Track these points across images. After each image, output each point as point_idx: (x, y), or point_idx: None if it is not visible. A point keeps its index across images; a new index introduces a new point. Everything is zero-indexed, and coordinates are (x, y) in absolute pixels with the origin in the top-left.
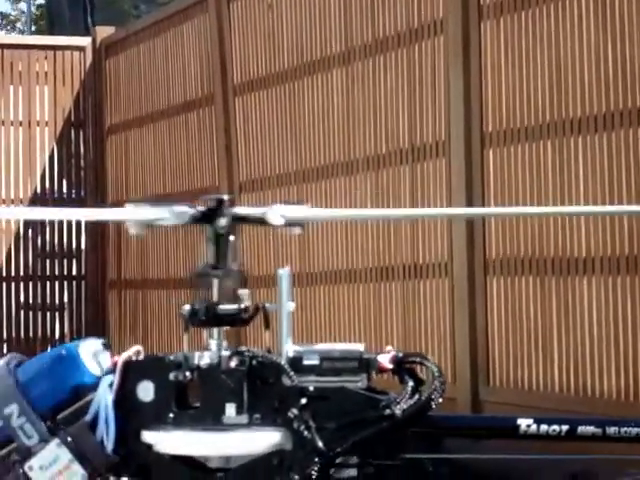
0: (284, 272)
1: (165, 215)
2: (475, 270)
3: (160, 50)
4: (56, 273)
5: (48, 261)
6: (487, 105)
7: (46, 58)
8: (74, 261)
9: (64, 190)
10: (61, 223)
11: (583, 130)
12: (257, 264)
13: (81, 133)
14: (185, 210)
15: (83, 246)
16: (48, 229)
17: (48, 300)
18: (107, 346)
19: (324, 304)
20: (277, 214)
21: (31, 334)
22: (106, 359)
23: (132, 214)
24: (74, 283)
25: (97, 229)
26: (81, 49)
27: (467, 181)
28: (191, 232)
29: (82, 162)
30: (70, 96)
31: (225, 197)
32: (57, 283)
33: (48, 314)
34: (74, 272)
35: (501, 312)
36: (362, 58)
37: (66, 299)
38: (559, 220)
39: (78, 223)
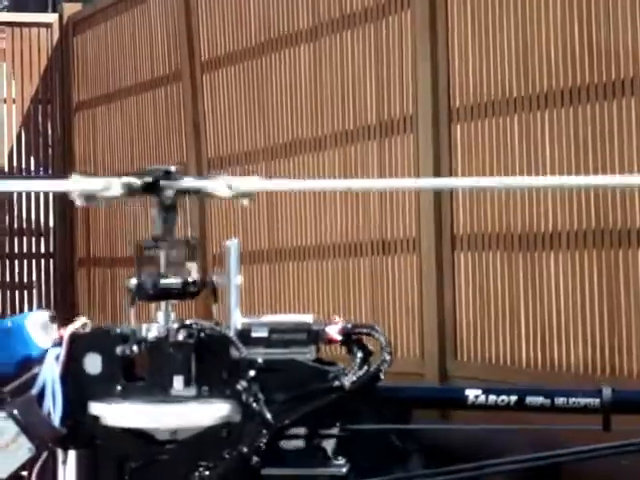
0: (232, 244)
1: (111, 186)
2: (443, 246)
3: (127, 27)
4: (24, 251)
5: (16, 239)
6: (454, 80)
7: (13, 34)
8: (42, 239)
9: (32, 167)
10: (29, 200)
11: (550, 105)
12: (225, 240)
13: (48, 110)
14: (131, 181)
15: (51, 224)
16: (16, 207)
17: (17, 279)
18: (54, 318)
19: (292, 280)
20: (224, 185)
21: None
22: (53, 332)
23: (78, 185)
24: (42, 261)
25: (65, 207)
26: (48, 26)
27: (435, 156)
28: None
29: (49, 139)
30: (37, 73)
31: (172, 168)
32: (25, 261)
33: (17, 292)
34: (42, 250)
35: (469, 287)
36: (329, 33)
37: (35, 277)
38: (526, 195)
39: (46, 201)
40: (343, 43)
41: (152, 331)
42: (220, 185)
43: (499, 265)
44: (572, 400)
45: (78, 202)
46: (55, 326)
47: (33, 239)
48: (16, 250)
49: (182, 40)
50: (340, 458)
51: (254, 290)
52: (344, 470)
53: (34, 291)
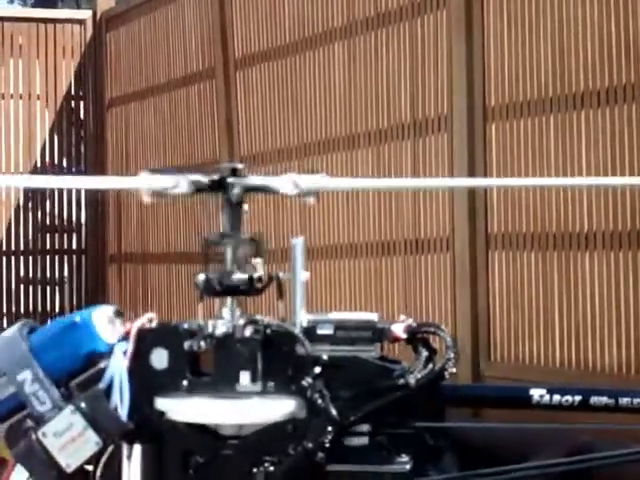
0: (298, 242)
1: (180, 183)
2: (477, 245)
3: (161, 23)
4: (56, 247)
5: (48, 235)
6: (489, 79)
7: (47, 31)
8: (74, 235)
9: (64, 164)
10: (61, 196)
11: (586, 105)
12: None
13: (82, 106)
14: (199, 178)
15: (83, 220)
16: (48, 203)
17: (48, 274)
18: (120, 313)
19: (325, 279)
20: (290, 183)
21: (31, 309)
22: (119, 327)
23: (146, 182)
24: (74, 257)
25: (97, 203)
26: (82, 22)
27: (469, 156)
28: (191, 206)
29: (82, 136)
30: (71, 69)
31: (239, 165)
32: (57, 257)
33: (48, 288)
34: (74, 246)
35: (502, 287)
36: (364, 32)
37: (66, 273)
38: (561, 194)
39: (78, 197)
40: (378, 42)
41: (219, 327)
42: (287, 183)
43: (533, 265)
44: (637, 400)
45: (146, 199)
46: (120, 321)
47: (65, 235)
48: (48, 246)
49: (216, 37)
50: (404, 455)
51: (287, 289)
52: (408, 467)
53: (65, 287)
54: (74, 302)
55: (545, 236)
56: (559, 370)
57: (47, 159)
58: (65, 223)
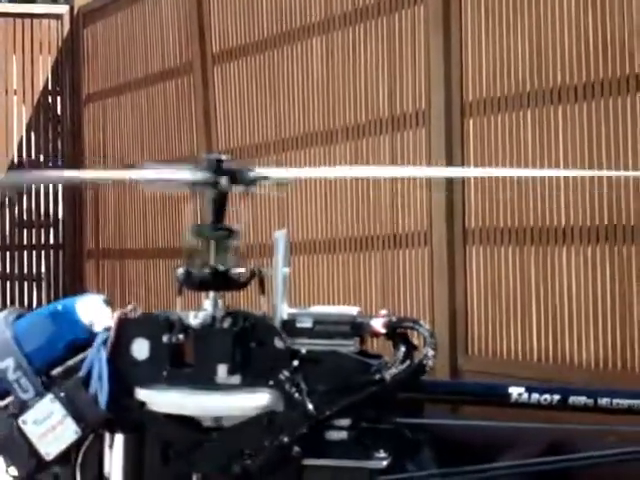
0: (281, 235)
1: (172, 177)
2: (454, 240)
3: (138, 18)
4: (33, 242)
5: (25, 230)
6: (467, 74)
7: (23, 26)
8: (51, 230)
9: (41, 159)
10: (38, 192)
11: (563, 100)
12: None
13: (59, 102)
14: (189, 171)
15: (60, 215)
16: (25, 198)
17: (25, 270)
18: (108, 302)
19: (303, 274)
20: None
21: (8, 304)
22: (107, 316)
23: (141, 174)
24: (51, 252)
25: (74, 198)
26: (59, 17)
27: (447, 150)
28: (169, 201)
29: (59, 131)
30: (48, 64)
31: (223, 157)
32: (34, 252)
33: (25, 284)
34: (51, 241)
35: (480, 281)
36: (342, 27)
37: (43, 269)
38: (538, 190)
39: (55, 192)
40: (355, 37)
41: (199, 319)
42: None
43: (511, 259)
44: (616, 401)
45: (146, 189)
46: (109, 309)
47: (42, 230)
48: (25, 241)
49: (193, 32)
50: (382, 450)
51: (270, 284)
52: (385, 463)
53: (43, 282)
54: (51, 297)
55: (522, 231)
56: (536, 364)
57: (24, 154)
58: (42, 218)
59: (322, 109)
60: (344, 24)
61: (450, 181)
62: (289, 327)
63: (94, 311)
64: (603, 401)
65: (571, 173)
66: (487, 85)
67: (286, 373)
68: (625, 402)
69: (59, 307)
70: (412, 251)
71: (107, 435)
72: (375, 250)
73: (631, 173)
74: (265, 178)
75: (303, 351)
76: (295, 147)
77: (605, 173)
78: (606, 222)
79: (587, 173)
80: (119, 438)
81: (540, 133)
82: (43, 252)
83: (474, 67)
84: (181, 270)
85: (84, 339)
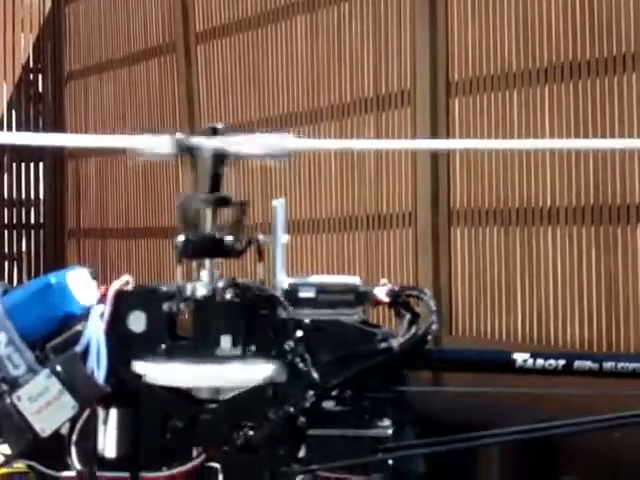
0: (279, 203)
1: (161, 143)
2: (439, 220)
3: None
4: (14, 222)
5: (6, 210)
6: (453, 53)
7: (5, 4)
8: (32, 209)
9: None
10: (19, 170)
11: (550, 79)
12: None
13: (40, 79)
14: (180, 138)
15: (41, 194)
16: (6, 177)
17: (6, 249)
18: (93, 275)
19: (288, 253)
20: (258, 144)
21: None
22: (93, 289)
23: (128, 142)
24: (32, 232)
25: (55, 177)
26: None
27: (432, 130)
28: (151, 181)
29: (41, 109)
30: (29, 42)
31: (219, 125)
32: (15, 232)
33: (6, 263)
34: (32, 221)
35: (465, 262)
36: (327, 5)
37: (24, 248)
38: (524, 170)
39: (36, 171)
40: (340, 15)
41: (198, 289)
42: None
43: (495, 240)
44: (620, 365)
45: (132, 159)
46: (95, 283)
47: (23, 210)
48: (6, 221)
49: (177, 10)
50: (385, 420)
51: (248, 263)
52: (389, 432)
53: (23, 262)
54: (32, 277)
55: (507, 212)
56: (520, 345)
57: (5, 130)
58: (23, 197)
59: (306, 88)
60: (329, 3)
61: (435, 162)
62: (291, 296)
63: (82, 285)
64: (608, 365)
65: (554, 144)
66: (473, 64)
67: (290, 343)
68: (630, 366)
69: (51, 280)
70: (397, 232)
71: (101, 410)
72: (360, 231)
73: (615, 141)
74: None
75: (307, 321)
76: (279, 126)
77: (590, 143)
78: (591, 203)
79: (571, 144)
80: (114, 413)
81: (526, 113)
82: (24, 231)
83: (460, 46)
84: (180, 238)
85: (78, 312)
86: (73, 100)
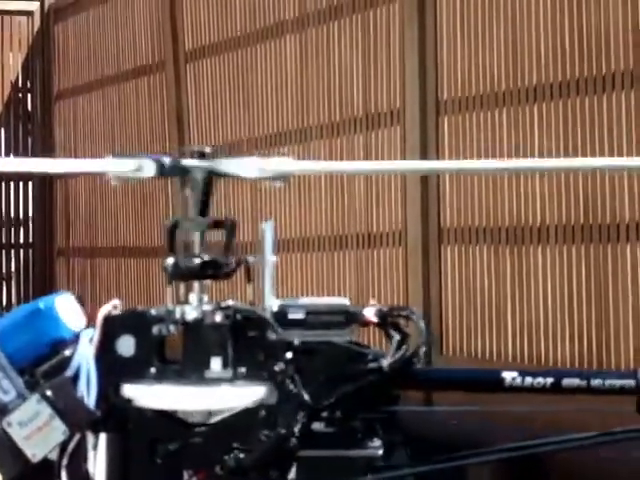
0: (268, 226)
1: (144, 167)
2: (429, 239)
3: (110, 15)
4: (3, 241)
5: None
6: (442, 72)
7: None
8: (21, 229)
9: (11, 156)
10: (8, 189)
11: (539, 98)
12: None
13: (29, 99)
14: (164, 161)
15: (30, 213)
16: None
17: None
18: (80, 300)
19: (277, 273)
20: (257, 167)
21: None
22: (80, 314)
23: (111, 166)
24: (21, 251)
25: (44, 195)
26: (29, 14)
27: (422, 149)
28: (140, 200)
29: (30, 128)
30: (18, 61)
31: (206, 149)
32: (4, 251)
33: None
34: (21, 240)
35: (455, 281)
36: (316, 24)
37: (13, 268)
38: (514, 189)
39: (25, 190)
40: (330, 34)
41: (187, 312)
42: (252, 166)
43: (486, 259)
44: (608, 382)
45: (114, 182)
46: (80, 308)
47: (12, 229)
48: None
49: (166, 29)
50: (376, 440)
51: (238, 282)
52: (380, 452)
53: (12, 282)
54: (21, 297)
55: (497, 230)
56: (511, 364)
57: None
58: (12, 217)
59: (296, 107)
60: (318, 22)
61: (425, 181)
62: (281, 318)
63: (69, 309)
64: (595, 382)
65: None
66: (462, 83)
67: (280, 365)
68: (618, 383)
69: (40, 305)
70: (387, 250)
71: (91, 435)
72: (350, 249)
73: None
74: (239, 176)
75: (296, 342)
76: (268, 145)
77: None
78: (581, 222)
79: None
80: (103, 438)
81: (515, 131)
82: (13, 251)
83: (449, 65)
84: (169, 260)
85: (66, 337)
86: (62, 119)
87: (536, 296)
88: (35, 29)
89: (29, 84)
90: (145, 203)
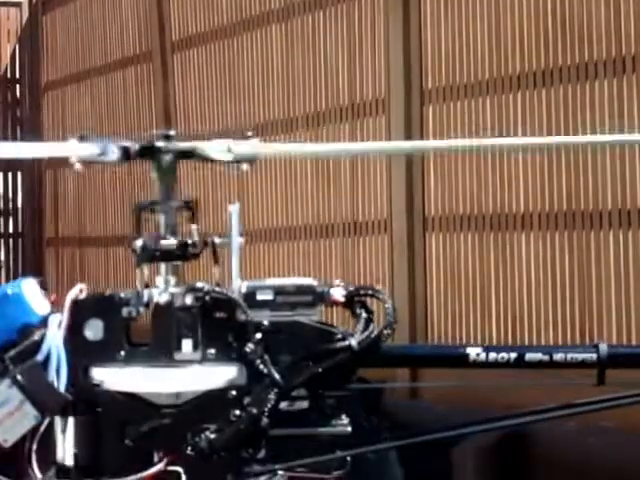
0: (234, 208)
1: (109, 150)
2: (414, 227)
3: (97, 6)
4: None
5: None
6: (427, 61)
7: None
8: (10, 218)
9: None
10: None
11: (522, 86)
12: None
13: (17, 89)
14: (129, 145)
15: (20, 203)
16: None
17: None
18: (43, 285)
19: (263, 261)
20: (224, 149)
21: None
22: (45, 298)
23: (75, 149)
24: (11, 241)
25: (33, 186)
26: (18, 5)
27: (406, 138)
28: (130, 189)
29: (18, 119)
30: (6, 52)
31: (170, 131)
32: None
33: None
34: (11, 229)
35: (440, 268)
36: (301, 14)
37: (2, 257)
38: (497, 177)
39: (14, 180)
40: (315, 24)
41: (156, 295)
42: (220, 148)
43: (470, 246)
44: (570, 356)
45: (76, 167)
46: (45, 292)
47: (1, 218)
48: None
49: (153, 19)
50: (344, 417)
51: (224, 270)
52: (349, 429)
53: (2, 271)
54: None
55: (482, 218)
56: None
57: None
58: (1, 207)
59: (282, 97)
60: (303, 11)
61: (410, 169)
62: (249, 299)
63: (34, 294)
64: (558, 356)
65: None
66: (446, 72)
67: (249, 346)
68: (579, 356)
69: (8, 291)
70: (372, 238)
71: (60, 419)
72: (335, 237)
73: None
74: (206, 157)
75: (265, 323)
76: (255, 135)
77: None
78: (565, 209)
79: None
80: (72, 421)
81: (499, 119)
82: (2, 240)
83: (433, 54)
84: (137, 242)
85: (34, 322)
86: (50, 109)
87: (520, 282)
88: (23, 20)
89: (17, 75)
90: (133, 192)
